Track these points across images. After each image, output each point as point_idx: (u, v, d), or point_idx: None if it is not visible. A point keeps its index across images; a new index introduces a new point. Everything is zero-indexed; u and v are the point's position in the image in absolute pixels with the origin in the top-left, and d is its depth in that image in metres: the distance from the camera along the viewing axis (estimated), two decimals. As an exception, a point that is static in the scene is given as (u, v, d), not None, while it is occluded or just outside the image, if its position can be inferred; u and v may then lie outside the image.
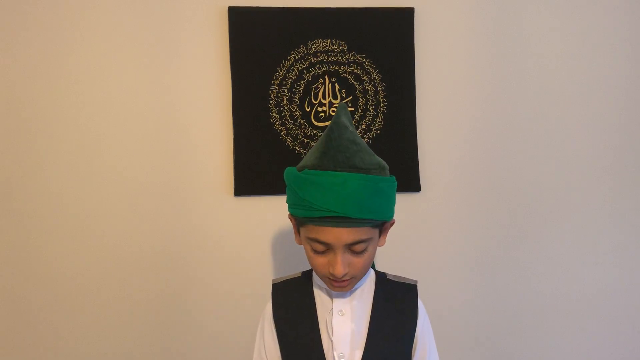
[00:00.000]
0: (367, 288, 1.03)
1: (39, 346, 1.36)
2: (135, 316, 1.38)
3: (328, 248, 0.92)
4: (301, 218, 0.93)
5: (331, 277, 0.94)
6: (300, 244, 1.01)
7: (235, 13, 1.37)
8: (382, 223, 0.96)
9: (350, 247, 0.91)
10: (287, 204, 0.98)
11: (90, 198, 1.36)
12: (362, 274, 0.96)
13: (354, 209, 0.88)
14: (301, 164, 0.96)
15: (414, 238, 1.44)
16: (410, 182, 1.41)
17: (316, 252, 0.94)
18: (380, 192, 0.91)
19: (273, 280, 1.09)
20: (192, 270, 1.39)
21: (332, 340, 0.97)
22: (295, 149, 1.40)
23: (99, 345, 1.37)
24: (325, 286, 1.01)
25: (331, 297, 1.01)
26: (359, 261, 0.93)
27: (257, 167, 1.38)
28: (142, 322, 1.38)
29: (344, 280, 0.94)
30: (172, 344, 1.39)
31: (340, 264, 0.90)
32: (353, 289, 1.01)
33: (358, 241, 0.91)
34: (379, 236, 0.98)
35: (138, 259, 1.38)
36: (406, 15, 1.41)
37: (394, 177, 0.97)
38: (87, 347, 1.37)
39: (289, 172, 0.96)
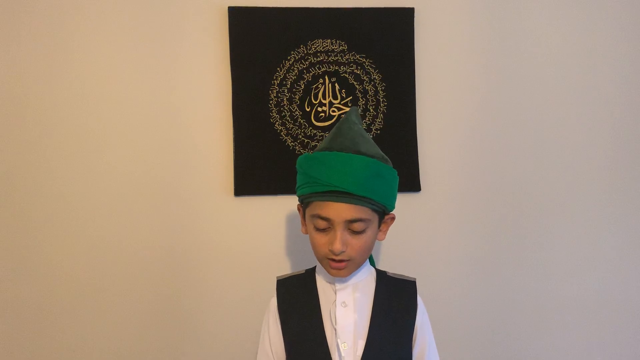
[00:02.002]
0: (368, 283, 1.07)
1: (39, 346, 1.36)
2: (135, 315, 1.38)
3: (329, 226, 0.98)
4: (307, 196, 1.00)
5: (330, 256, 0.99)
6: (306, 233, 1.06)
7: (235, 13, 1.37)
8: (382, 211, 1.01)
9: (349, 226, 0.97)
10: (297, 195, 1.05)
11: (90, 198, 1.36)
12: (360, 258, 1.01)
13: (355, 186, 0.94)
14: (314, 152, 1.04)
15: (414, 238, 1.44)
16: (410, 182, 1.41)
17: (318, 229, 0.99)
18: (381, 176, 0.98)
19: (277, 277, 1.12)
20: (192, 270, 1.39)
21: (335, 329, 1.00)
22: (295, 149, 1.40)
23: (99, 344, 1.37)
24: (329, 280, 1.06)
25: (334, 290, 1.05)
26: (356, 242, 0.98)
27: (257, 167, 1.38)
28: (142, 321, 1.38)
29: (342, 262, 0.99)
30: (172, 343, 1.39)
31: (339, 240, 0.96)
32: (355, 281, 1.05)
33: (357, 219, 0.96)
34: (379, 226, 1.03)
35: (138, 258, 1.38)
36: (406, 15, 1.41)
37: (396, 172, 1.03)
38: (87, 347, 1.37)
39: (301, 157, 1.04)
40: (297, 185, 1.05)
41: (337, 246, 0.96)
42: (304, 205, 1.05)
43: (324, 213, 0.96)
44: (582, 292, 1.48)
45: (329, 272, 1.02)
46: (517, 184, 1.47)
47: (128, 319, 1.38)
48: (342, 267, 0.99)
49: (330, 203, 0.96)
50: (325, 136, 1.37)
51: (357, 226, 0.97)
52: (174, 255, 1.39)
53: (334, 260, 0.99)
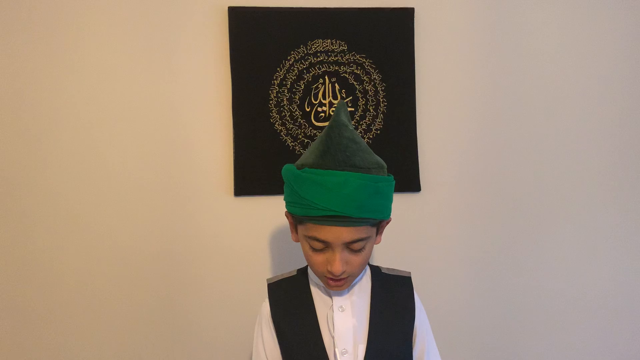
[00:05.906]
0: (364, 284, 1.05)
1: (39, 346, 1.36)
2: (134, 315, 1.38)
3: (326, 246, 0.93)
4: (300, 216, 0.94)
5: (328, 276, 0.95)
6: (296, 241, 1.02)
7: (235, 13, 1.37)
8: (379, 221, 0.98)
9: (348, 246, 0.93)
10: (284, 202, 1.00)
11: (90, 198, 1.36)
12: (359, 272, 0.98)
13: (354, 209, 0.89)
14: (300, 162, 0.96)
15: (414, 238, 1.44)
16: (410, 182, 1.41)
17: (314, 250, 0.95)
18: (379, 192, 0.92)
19: (268, 280, 1.09)
20: (192, 270, 1.39)
21: (333, 337, 0.98)
22: (295, 149, 1.40)
23: (99, 344, 1.37)
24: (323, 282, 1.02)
25: (330, 293, 1.02)
26: (356, 259, 0.95)
27: (257, 167, 1.38)
28: (141, 321, 1.38)
29: (341, 279, 0.95)
30: (171, 343, 1.39)
31: (339, 262, 0.92)
32: (351, 285, 1.02)
33: (357, 240, 0.92)
34: (376, 234, 1.00)
35: (138, 258, 1.38)
36: (406, 15, 1.42)
37: (392, 177, 0.98)
38: (85, 347, 1.37)
39: (288, 169, 0.97)
40: (285, 198, 0.99)
41: (338, 268, 0.92)
42: (295, 220, 0.99)
43: (321, 237, 0.91)
44: (582, 292, 1.48)
45: (327, 287, 0.99)
46: (517, 184, 1.47)
47: (128, 319, 1.38)
48: (341, 284, 0.96)
49: (328, 227, 0.90)
50: None
51: (357, 245, 0.93)
52: (174, 255, 1.39)
53: (333, 278, 0.95)
